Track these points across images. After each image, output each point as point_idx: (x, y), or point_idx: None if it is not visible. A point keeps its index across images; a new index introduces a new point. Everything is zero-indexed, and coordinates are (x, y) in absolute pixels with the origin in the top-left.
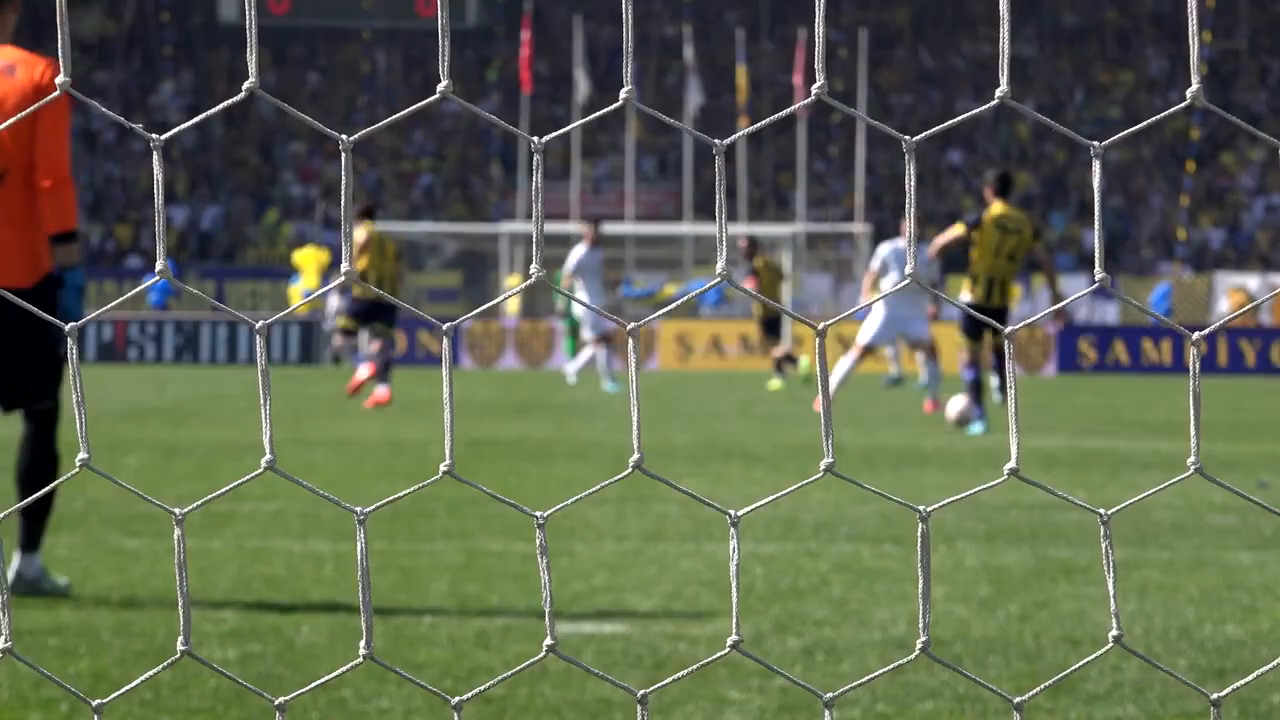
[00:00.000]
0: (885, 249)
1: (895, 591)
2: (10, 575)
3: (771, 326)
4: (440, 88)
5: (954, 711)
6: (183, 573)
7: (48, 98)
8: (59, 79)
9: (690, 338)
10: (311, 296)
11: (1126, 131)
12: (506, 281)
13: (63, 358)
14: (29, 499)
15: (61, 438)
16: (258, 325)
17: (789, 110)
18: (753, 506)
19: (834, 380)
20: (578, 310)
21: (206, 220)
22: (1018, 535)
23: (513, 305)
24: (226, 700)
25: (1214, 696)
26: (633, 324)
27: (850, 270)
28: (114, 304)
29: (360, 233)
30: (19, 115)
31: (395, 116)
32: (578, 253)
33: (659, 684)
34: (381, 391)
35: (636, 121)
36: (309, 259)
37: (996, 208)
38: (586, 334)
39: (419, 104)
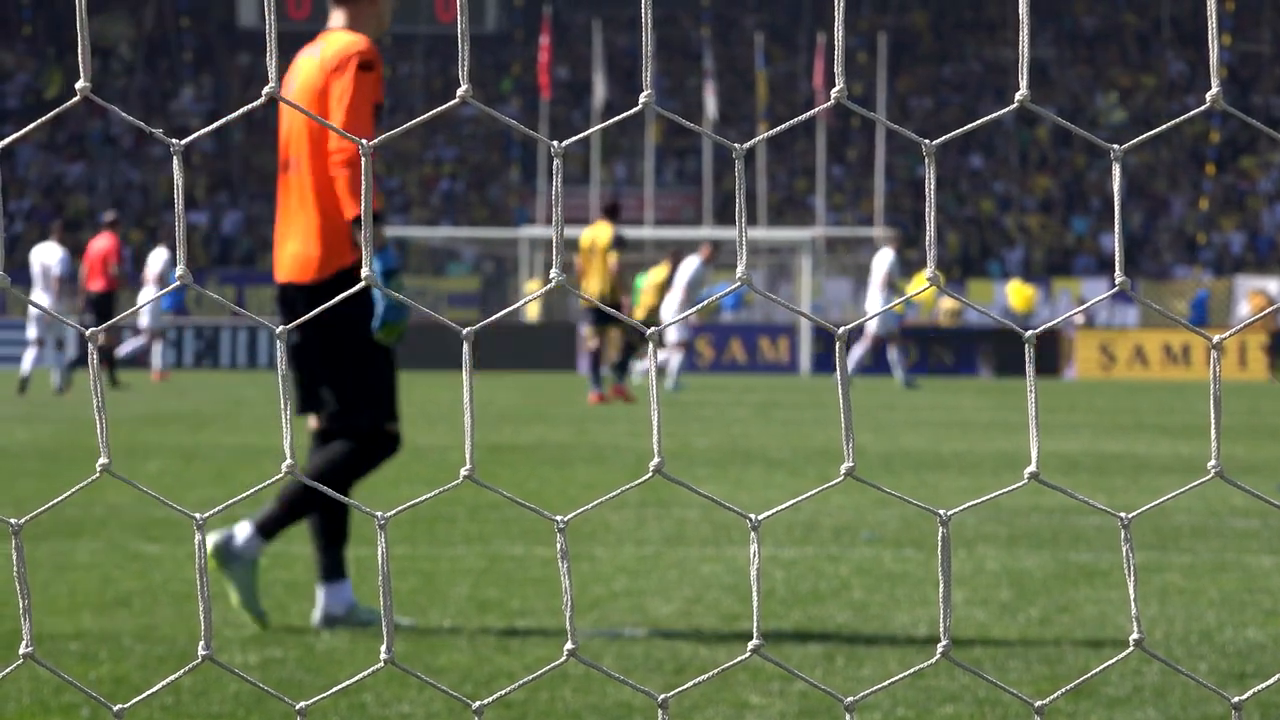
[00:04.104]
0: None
1: (916, 595)
2: (317, 615)
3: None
4: (460, 92)
5: (974, 715)
6: (204, 577)
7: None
8: (79, 84)
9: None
10: (330, 303)
11: (1146, 135)
12: (526, 286)
13: (369, 373)
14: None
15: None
16: (278, 330)
17: (809, 114)
18: (773, 510)
19: None
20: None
21: (227, 225)
22: (1038, 539)
23: (533, 310)
24: (248, 705)
25: (1235, 700)
26: (652, 328)
27: (869, 274)
28: (131, 310)
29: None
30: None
31: (415, 121)
32: None
33: (679, 688)
34: None
35: (656, 125)
36: None
37: None
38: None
39: (439, 108)
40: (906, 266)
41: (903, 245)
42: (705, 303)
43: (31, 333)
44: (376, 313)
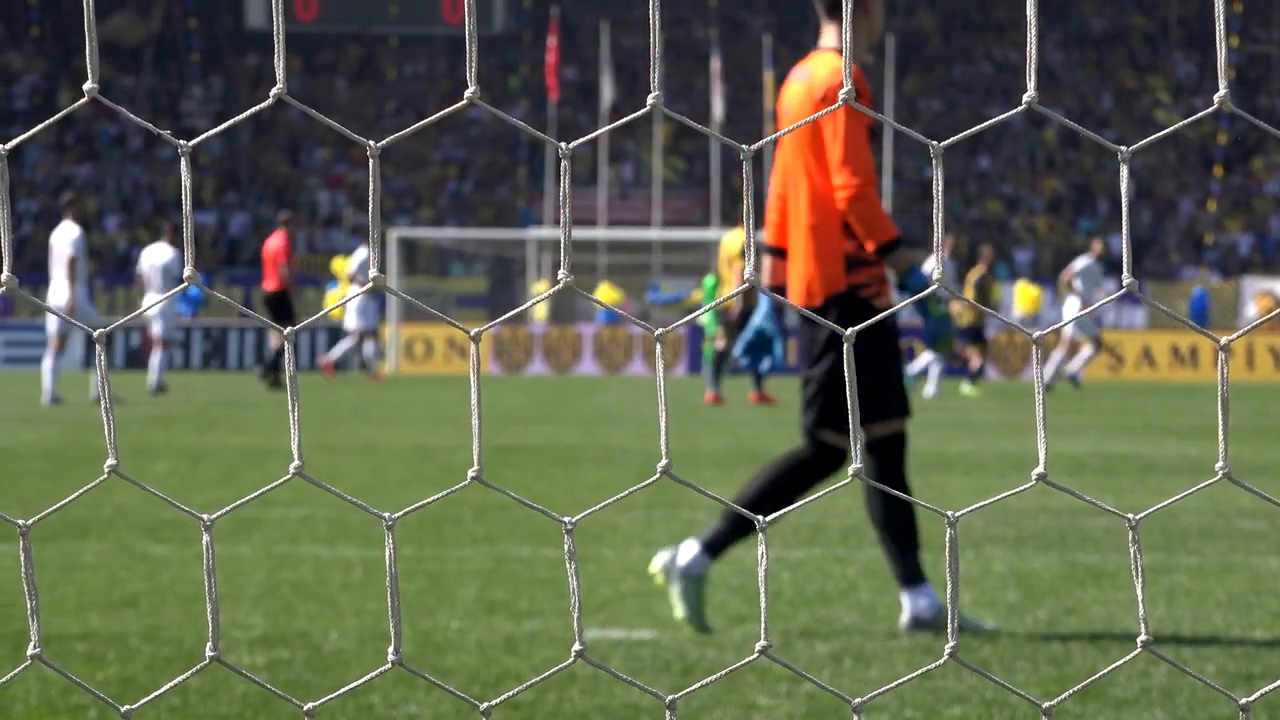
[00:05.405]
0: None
1: None
2: (904, 620)
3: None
4: (468, 94)
5: (982, 716)
6: (211, 578)
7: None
8: (87, 85)
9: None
10: (340, 304)
11: (1154, 136)
12: (534, 287)
13: (882, 378)
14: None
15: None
16: (285, 331)
17: (816, 115)
18: (781, 512)
19: None
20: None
21: (234, 227)
22: (1046, 540)
23: (540, 311)
24: (255, 706)
25: (1242, 701)
26: (659, 329)
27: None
28: (138, 311)
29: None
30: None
31: (423, 122)
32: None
33: (687, 690)
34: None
35: (663, 127)
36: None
37: None
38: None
39: (446, 110)
40: None
41: (1104, 254)
42: (713, 304)
43: (155, 329)
44: (930, 330)
